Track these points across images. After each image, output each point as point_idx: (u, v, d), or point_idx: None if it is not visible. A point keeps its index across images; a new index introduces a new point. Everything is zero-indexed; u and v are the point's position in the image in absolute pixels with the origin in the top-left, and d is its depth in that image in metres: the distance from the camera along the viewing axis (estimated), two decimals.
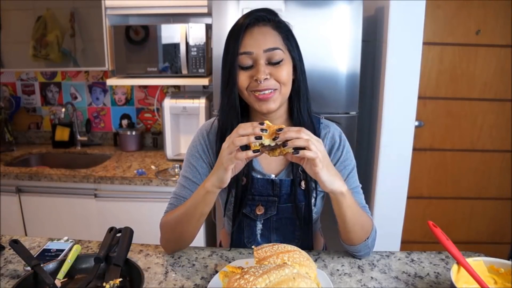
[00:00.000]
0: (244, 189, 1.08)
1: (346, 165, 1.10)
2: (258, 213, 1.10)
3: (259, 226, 1.13)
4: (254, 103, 1.02)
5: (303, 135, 0.85)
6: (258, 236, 1.14)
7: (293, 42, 1.03)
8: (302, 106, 1.06)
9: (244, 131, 0.86)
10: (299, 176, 1.08)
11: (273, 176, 1.09)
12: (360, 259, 1.09)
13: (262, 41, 0.98)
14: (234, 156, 0.87)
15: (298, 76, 1.05)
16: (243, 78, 1.01)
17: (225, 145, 0.89)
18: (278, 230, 1.13)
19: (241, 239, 1.15)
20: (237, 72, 1.00)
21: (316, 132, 1.09)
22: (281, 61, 0.99)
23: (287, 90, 1.02)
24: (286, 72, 1.00)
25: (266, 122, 0.88)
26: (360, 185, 1.12)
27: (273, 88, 0.99)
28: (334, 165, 1.07)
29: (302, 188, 1.09)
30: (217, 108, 1.98)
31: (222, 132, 1.08)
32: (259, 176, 1.09)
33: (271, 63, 0.99)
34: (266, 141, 0.86)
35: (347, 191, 0.93)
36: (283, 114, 1.10)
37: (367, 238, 1.04)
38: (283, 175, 1.10)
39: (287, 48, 1.01)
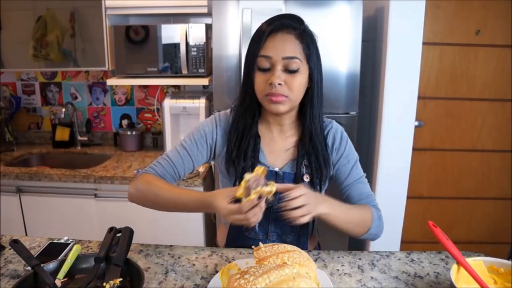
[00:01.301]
0: None
1: (349, 159, 1.17)
2: None
3: None
4: (266, 105, 1.08)
5: (300, 202, 0.94)
6: (256, 225, 1.15)
7: (313, 52, 1.06)
8: (314, 114, 1.11)
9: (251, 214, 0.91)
10: (302, 170, 1.12)
11: (277, 168, 1.14)
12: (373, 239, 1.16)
13: (281, 48, 1.03)
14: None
15: (313, 85, 1.08)
16: (259, 81, 1.06)
17: (238, 217, 0.92)
18: (276, 221, 1.15)
19: (240, 227, 1.16)
20: (255, 73, 1.06)
21: (321, 125, 1.14)
22: (297, 70, 1.04)
23: (297, 98, 1.07)
24: (299, 82, 1.04)
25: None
26: (364, 174, 1.19)
27: (285, 95, 1.04)
28: (338, 160, 1.17)
29: (306, 181, 1.13)
30: (217, 108, 1.99)
31: (235, 129, 1.13)
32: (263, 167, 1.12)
33: (287, 70, 1.03)
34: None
35: (330, 208, 1.02)
36: (294, 118, 1.15)
37: (369, 229, 1.12)
38: (287, 169, 1.14)
39: (305, 58, 1.05)
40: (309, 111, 1.11)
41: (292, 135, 1.17)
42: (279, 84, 1.02)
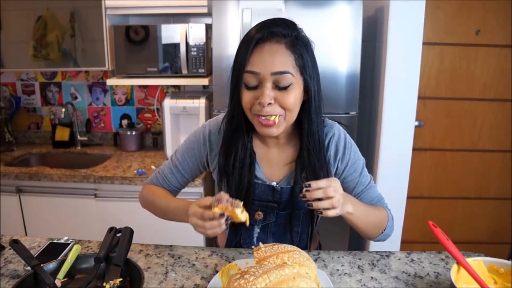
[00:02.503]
0: (247, 195, 1.07)
1: (356, 168, 1.10)
2: (257, 218, 1.11)
3: (257, 230, 1.13)
4: (256, 126, 0.99)
5: (329, 196, 0.89)
6: (255, 239, 1.14)
7: (308, 62, 0.96)
8: (313, 130, 1.02)
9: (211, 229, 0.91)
10: (300, 183, 1.06)
11: (274, 183, 1.09)
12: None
13: (270, 62, 0.92)
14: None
15: (310, 98, 0.98)
16: (247, 98, 0.96)
17: (198, 222, 0.92)
18: (275, 235, 1.14)
19: (238, 241, 1.15)
20: (242, 90, 0.96)
21: (321, 140, 1.06)
22: (289, 86, 0.93)
23: (292, 116, 0.98)
24: (293, 97, 0.94)
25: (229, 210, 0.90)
26: (371, 176, 1.13)
27: (277, 114, 0.95)
28: (343, 170, 1.10)
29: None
30: (217, 108, 1.98)
31: (225, 146, 1.07)
32: (260, 182, 1.09)
33: (278, 87, 0.93)
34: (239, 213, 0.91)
35: (354, 208, 0.96)
36: (291, 130, 1.07)
37: (384, 230, 1.10)
38: (284, 183, 1.09)
39: (299, 70, 0.95)
40: (306, 127, 1.01)
41: (290, 147, 1.09)
42: (270, 103, 0.93)
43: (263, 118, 0.95)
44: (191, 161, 1.14)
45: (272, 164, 1.10)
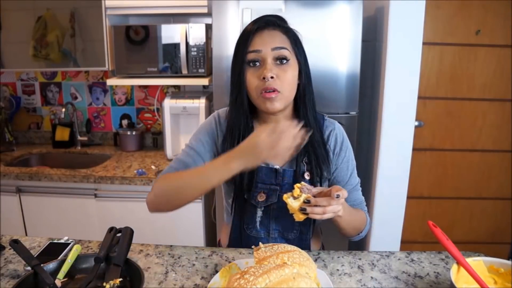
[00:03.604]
0: (250, 177, 1.11)
1: (348, 166, 1.18)
2: (260, 199, 1.13)
3: (259, 213, 1.14)
4: (261, 104, 1.06)
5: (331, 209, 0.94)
6: (258, 223, 1.15)
7: (300, 48, 1.08)
8: (309, 111, 1.11)
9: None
10: (302, 167, 1.12)
11: (277, 166, 1.12)
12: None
13: (270, 40, 1.03)
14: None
15: (303, 81, 1.08)
16: (250, 77, 1.05)
17: (266, 143, 0.92)
18: (277, 219, 1.15)
19: (241, 225, 1.17)
20: (245, 71, 1.05)
21: (322, 131, 1.15)
22: (288, 60, 1.04)
23: (291, 93, 1.06)
24: (291, 74, 1.04)
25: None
26: (359, 180, 1.21)
27: (278, 90, 1.02)
28: (338, 165, 1.17)
29: (307, 179, 1.12)
30: (217, 108, 1.98)
31: (230, 130, 1.13)
32: (263, 165, 1.12)
33: (279, 60, 1.03)
34: None
35: (343, 212, 1.00)
36: (290, 117, 1.13)
37: (359, 233, 1.16)
38: (286, 166, 1.13)
39: (294, 52, 1.06)
40: (302, 112, 1.10)
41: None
42: (271, 77, 1.01)
43: (267, 92, 1.02)
44: (206, 141, 1.16)
45: None
